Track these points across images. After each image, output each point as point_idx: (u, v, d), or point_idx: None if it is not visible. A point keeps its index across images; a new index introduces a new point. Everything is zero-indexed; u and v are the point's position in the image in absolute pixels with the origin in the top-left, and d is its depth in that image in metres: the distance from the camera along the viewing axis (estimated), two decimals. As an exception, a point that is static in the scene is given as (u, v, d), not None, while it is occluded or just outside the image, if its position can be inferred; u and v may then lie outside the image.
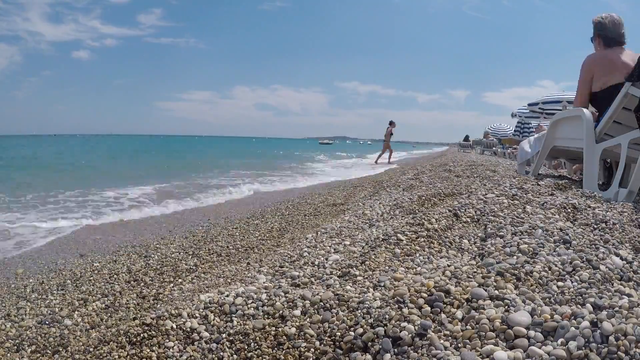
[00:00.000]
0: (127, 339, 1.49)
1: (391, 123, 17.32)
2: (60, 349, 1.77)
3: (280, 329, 1.42)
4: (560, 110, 7.90)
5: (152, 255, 3.23)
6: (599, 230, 2.00)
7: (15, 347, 1.83)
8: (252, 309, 1.55)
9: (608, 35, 3.23)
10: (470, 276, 1.57)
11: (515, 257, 1.70)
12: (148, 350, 1.42)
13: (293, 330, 1.41)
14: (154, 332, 1.49)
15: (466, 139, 24.54)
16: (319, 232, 2.96)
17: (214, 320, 1.52)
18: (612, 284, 1.48)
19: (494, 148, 15.92)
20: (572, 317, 1.21)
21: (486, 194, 2.85)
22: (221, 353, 1.37)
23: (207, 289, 2.24)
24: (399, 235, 2.22)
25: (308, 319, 1.45)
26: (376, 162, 18.07)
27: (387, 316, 1.34)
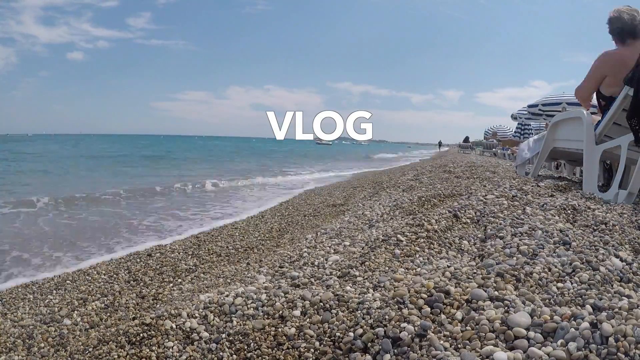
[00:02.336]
0: (127, 339, 1.49)
1: None
2: (60, 349, 1.77)
3: (280, 330, 1.42)
4: (560, 112, 7.90)
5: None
6: (599, 232, 2.00)
7: (15, 346, 1.82)
8: (252, 309, 1.55)
9: (617, 30, 3.04)
10: (470, 277, 1.57)
11: (515, 258, 1.70)
12: (147, 350, 1.42)
13: (293, 330, 1.41)
14: (153, 332, 1.49)
15: (466, 140, 24.56)
16: (318, 233, 2.96)
17: (213, 320, 1.52)
18: (612, 285, 1.47)
19: (494, 149, 15.93)
20: (572, 318, 1.21)
21: (486, 195, 2.85)
22: (221, 353, 1.37)
23: (206, 289, 2.24)
24: (398, 236, 2.22)
25: (308, 320, 1.45)
26: None
27: (387, 317, 1.34)
